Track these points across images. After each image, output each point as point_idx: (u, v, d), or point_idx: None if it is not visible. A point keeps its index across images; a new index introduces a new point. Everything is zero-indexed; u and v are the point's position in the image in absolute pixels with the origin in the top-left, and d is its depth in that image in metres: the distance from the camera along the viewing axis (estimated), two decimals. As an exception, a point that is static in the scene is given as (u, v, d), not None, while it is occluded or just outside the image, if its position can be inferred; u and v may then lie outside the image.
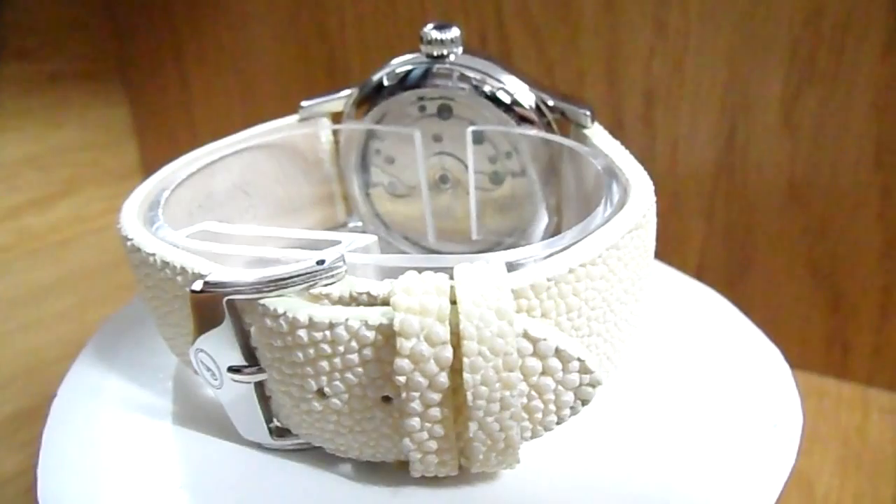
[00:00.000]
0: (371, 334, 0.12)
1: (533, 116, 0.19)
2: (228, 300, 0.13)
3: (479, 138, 0.20)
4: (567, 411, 0.13)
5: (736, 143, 0.26)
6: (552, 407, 0.13)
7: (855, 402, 0.26)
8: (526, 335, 0.12)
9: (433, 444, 0.13)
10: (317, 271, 0.13)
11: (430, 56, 0.20)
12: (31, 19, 0.38)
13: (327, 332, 0.13)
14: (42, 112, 0.40)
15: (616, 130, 0.20)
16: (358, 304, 0.13)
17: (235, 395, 0.15)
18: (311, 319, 0.13)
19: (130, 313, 0.21)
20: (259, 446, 0.15)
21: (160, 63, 0.41)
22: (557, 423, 0.14)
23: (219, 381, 0.14)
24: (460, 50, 0.20)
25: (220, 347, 0.14)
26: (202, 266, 0.14)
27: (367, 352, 0.13)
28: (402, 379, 0.12)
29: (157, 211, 0.17)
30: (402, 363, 0.12)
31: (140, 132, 0.44)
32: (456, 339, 0.12)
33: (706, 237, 0.28)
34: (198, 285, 0.13)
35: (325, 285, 0.13)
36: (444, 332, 0.12)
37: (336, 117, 0.22)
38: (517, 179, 0.20)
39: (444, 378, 0.12)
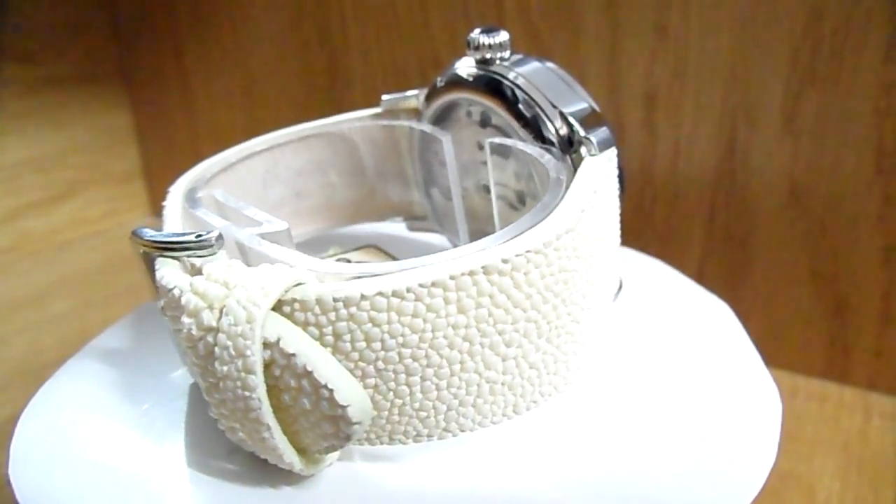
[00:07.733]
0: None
1: (551, 138, 0.17)
2: (143, 251, 0.16)
3: (506, 153, 0.19)
4: (333, 440, 0.13)
5: (737, 147, 0.25)
6: (318, 430, 0.13)
7: (856, 406, 0.25)
8: (278, 346, 0.12)
9: (226, 422, 0.14)
10: (192, 242, 0.15)
11: (476, 61, 0.19)
12: (33, 22, 0.38)
13: (167, 295, 0.14)
14: (43, 115, 0.39)
15: (617, 134, 0.18)
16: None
17: (171, 334, 0.17)
18: (160, 280, 0.14)
19: (140, 315, 0.21)
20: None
21: (161, 66, 0.41)
22: (331, 449, 0.13)
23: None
24: (507, 54, 0.19)
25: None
26: (170, 220, 0.17)
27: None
28: (190, 352, 0.13)
29: (206, 175, 0.20)
30: (181, 337, 0.13)
31: (141, 135, 0.44)
32: (222, 331, 0.13)
33: (707, 241, 0.27)
34: (130, 233, 0.16)
35: (201, 257, 0.15)
36: (209, 318, 0.13)
37: (415, 113, 0.22)
38: (535, 203, 0.18)
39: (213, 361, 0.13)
